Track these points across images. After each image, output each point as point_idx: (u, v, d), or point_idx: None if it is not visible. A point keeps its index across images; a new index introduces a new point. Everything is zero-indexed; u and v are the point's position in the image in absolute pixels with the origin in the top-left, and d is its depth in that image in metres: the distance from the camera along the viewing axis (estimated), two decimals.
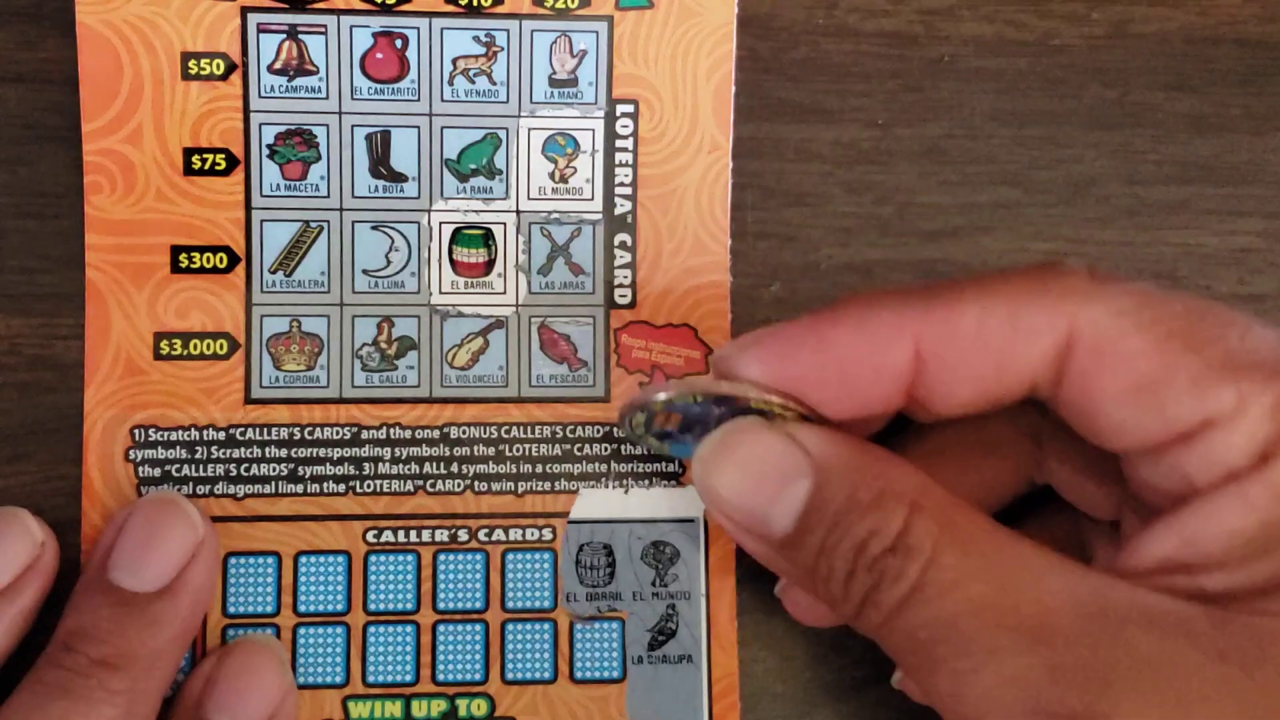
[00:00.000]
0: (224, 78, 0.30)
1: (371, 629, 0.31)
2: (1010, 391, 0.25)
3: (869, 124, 0.33)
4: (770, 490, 0.26)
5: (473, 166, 0.31)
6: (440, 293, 0.31)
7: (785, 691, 0.32)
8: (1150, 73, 0.33)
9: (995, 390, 0.25)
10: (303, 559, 0.30)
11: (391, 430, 0.31)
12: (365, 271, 0.31)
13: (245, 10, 0.30)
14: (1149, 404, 0.23)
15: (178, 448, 0.30)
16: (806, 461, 0.25)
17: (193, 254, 0.30)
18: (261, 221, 0.31)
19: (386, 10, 0.31)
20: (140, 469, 0.30)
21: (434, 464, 0.31)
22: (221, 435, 0.30)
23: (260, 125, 0.31)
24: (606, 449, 0.31)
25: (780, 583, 0.30)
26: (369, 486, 0.31)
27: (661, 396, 0.27)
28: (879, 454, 0.26)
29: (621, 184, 0.31)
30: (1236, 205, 0.33)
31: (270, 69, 0.31)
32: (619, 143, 0.31)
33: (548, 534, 0.31)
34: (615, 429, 0.31)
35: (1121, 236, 0.33)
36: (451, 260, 0.31)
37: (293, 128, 0.31)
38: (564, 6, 0.31)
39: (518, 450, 0.31)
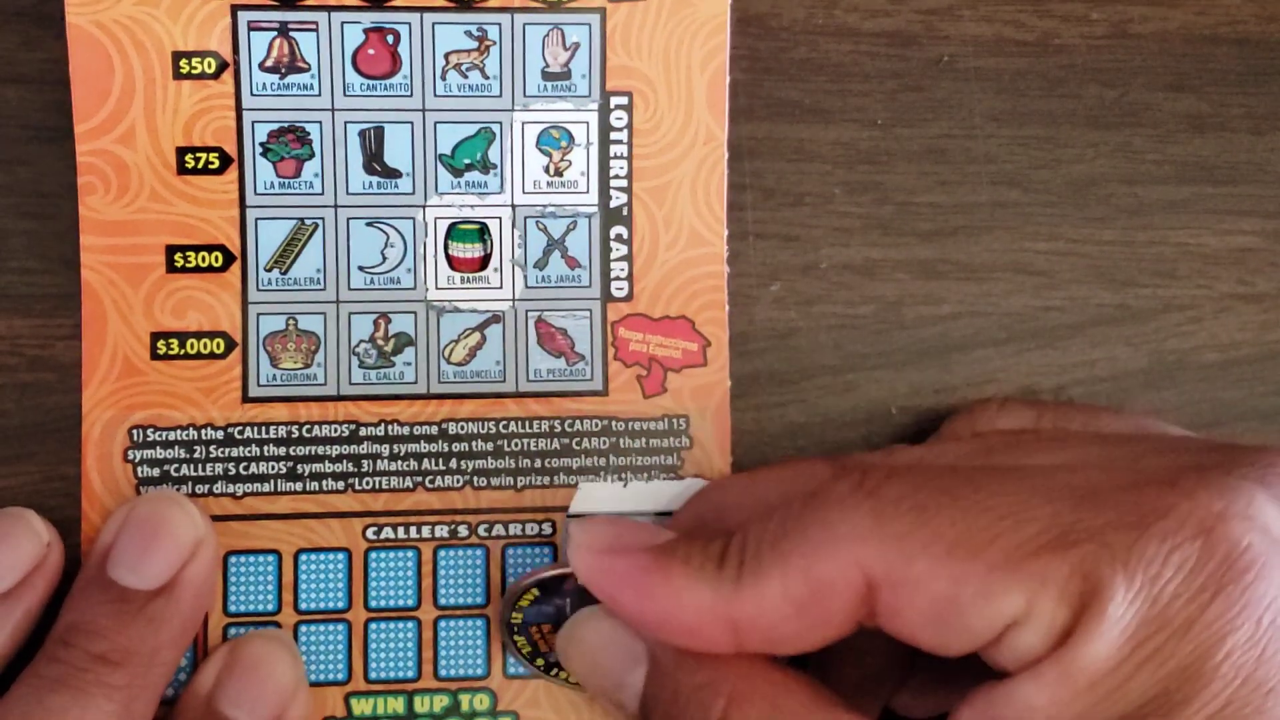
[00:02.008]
0: (215, 76, 0.30)
1: (373, 625, 0.31)
2: (836, 634, 0.26)
3: (869, 124, 0.33)
4: (613, 678, 0.27)
5: (467, 161, 0.31)
6: (436, 288, 0.31)
7: None
8: (1150, 72, 0.33)
9: (821, 636, 0.26)
10: (303, 557, 0.31)
11: (390, 427, 0.31)
12: (361, 268, 0.31)
13: (235, 8, 0.30)
14: (949, 624, 0.24)
15: (176, 447, 0.30)
16: (642, 650, 0.27)
17: (188, 253, 0.30)
18: (256, 220, 0.31)
19: (377, 6, 0.31)
20: (139, 469, 0.30)
21: (433, 460, 0.31)
22: (220, 434, 0.30)
23: (253, 123, 0.30)
24: (605, 443, 0.31)
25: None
26: (368, 483, 0.31)
27: (507, 607, 0.29)
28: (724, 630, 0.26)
29: (616, 176, 0.31)
30: (1236, 205, 0.33)
31: (262, 67, 0.30)
32: (613, 135, 0.31)
33: (547, 528, 0.31)
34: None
35: (1121, 236, 0.33)
36: (447, 255, 0.31)
37: (285, 125, 0.31)
38: None
39: (516, 445, 0.31)
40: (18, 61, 0.31)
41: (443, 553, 0.31)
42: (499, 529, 0.31)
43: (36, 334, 0.31)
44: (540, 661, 0.30)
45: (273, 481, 0.31)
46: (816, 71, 0.32)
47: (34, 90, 0.31)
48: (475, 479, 0.31)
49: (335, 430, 0.31)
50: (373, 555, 0.31)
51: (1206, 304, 0.33)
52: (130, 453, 0.30)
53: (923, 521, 0.24)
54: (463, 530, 0.31)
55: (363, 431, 0.31)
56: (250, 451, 0.31)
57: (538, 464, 0.31)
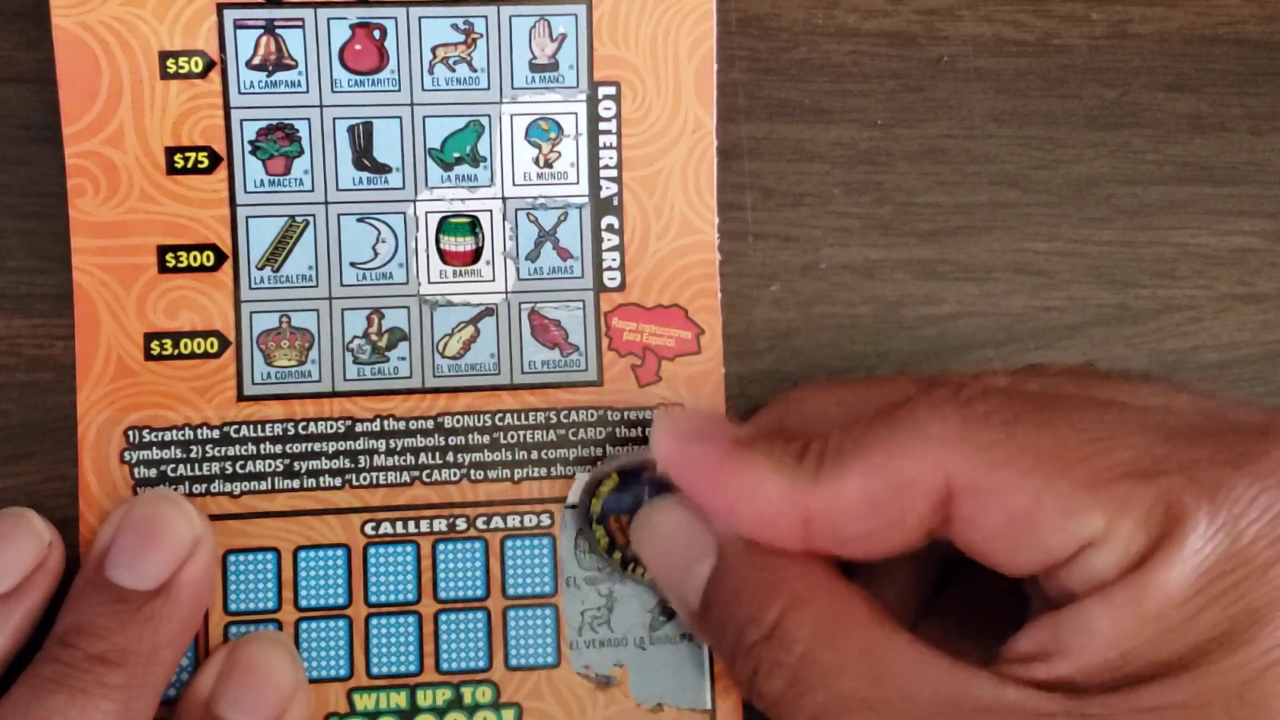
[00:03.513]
0: (203, 75, 0.30)
1: (374, 621, 0.31)
2: (905, 541, 0.26)
3: (869, 124, 0.33)
4: (681, 567, 0.28)
5: (456, 155, 0.31)
6: (429, 282, 0.31)
7: None
8: (1150, 73, 0.33)
9: (890, 542, 0.26)
10: (302, 554, 0.31)
11: (385, 422, 0.31)
12: (353, 264, 0.31)
13: (221, 7, 0.30)
14: (1025, 538, 0.24)
15: (172, 447, 0.30)
16: (712, 543, 0.27)
17: (179, 253, 0.30)
18: (247, 218, 0.31)
19: (363, 1, 0.31)
20: (136, 470, 0.30)
21: (429, 454, 0.31)
22: (215, 433, 0.30)
23: (241, 121, 0.30)
24: (601, 433, 0.31)
25: None
26: (365, 479, 0.31)
27: (584, 488, 0.30)
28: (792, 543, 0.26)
29: (606, 167, 0.31)
30: (1236, 205, 0.33)
31: (249, 65, 0.30)
32: (602, 125, 0.31)
33: (546, 519, 0.31)
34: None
35: (1121, 236, 0.33)
36: (439, 249, 0.31)
37: (274, 123, 0.31)
38: None
39: (512, 437, 0.31)
40: (16, 61, 0.31)
41: (441, 546, 0.31)
42: (497, 521, 0.31)
43: (35, 334, 0.31)
44: (617, 555, 0.30)
45: (270, 479, 0.31)
46: (816, 71, 0.32)
47: (32, 90, 0.31)
48: (472, 472, 0.31)
49: (331, 427, 0.31)
50: (372, 550, 0.31)
51: (1206, 304, 0.33)
52: (126, 454, 0.30)
53: (1013, 435, 0.24)
54: (461, 523, 0.31)
55: (359, 427, 0.31)
56: (246, 450, 0.31)
57: (534, 455, 0.31)
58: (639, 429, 0.31)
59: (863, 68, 0.32)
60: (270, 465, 0.31)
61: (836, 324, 0.32)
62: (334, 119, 0.31)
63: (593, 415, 0.31)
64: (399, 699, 0.30)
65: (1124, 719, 0.23)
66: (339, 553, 0.31)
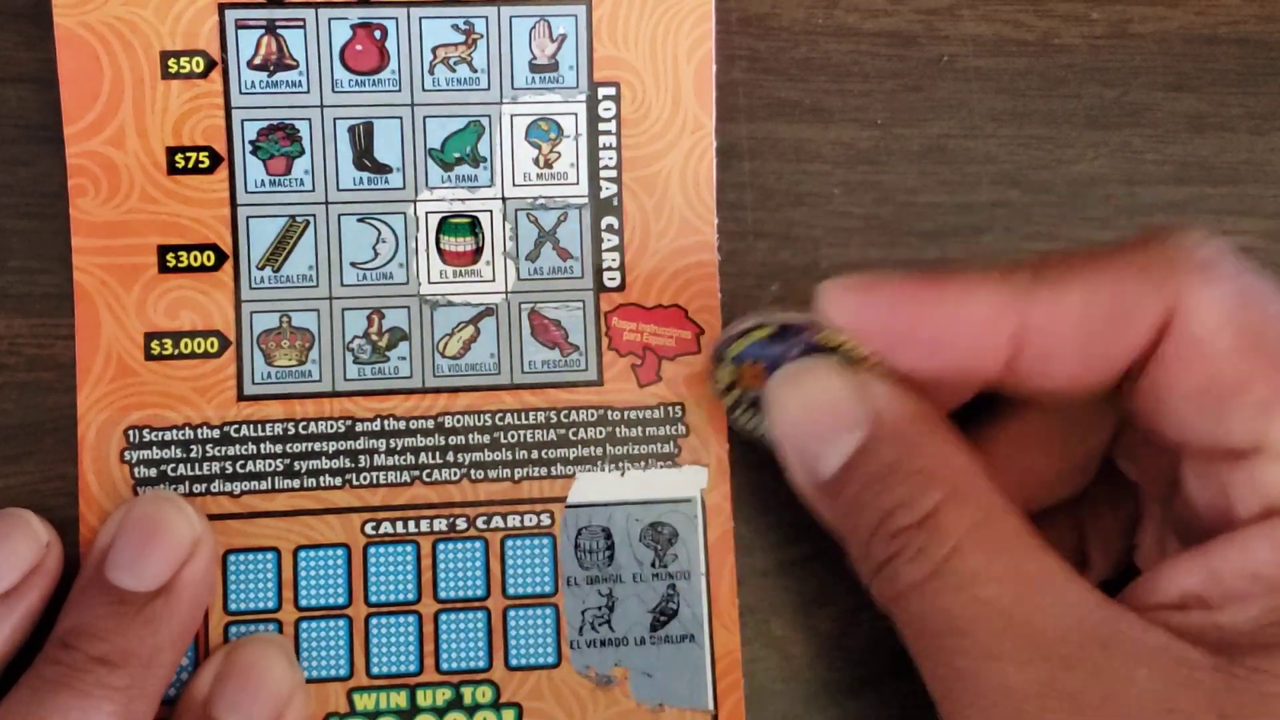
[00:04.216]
0: (204, 75, 0.30)
1: (374, 620, 0.31)
2: (1105, 375, 0.25)
3: (869, 124, 0.33)
4: (825, 430, 0.26)
5: (456, 155, 0.31)
6: (429, 282, 0.31)
7: (785, 691, 0.32)
8: (1150, 72, 0.33)
9: (1090, 374, 0.25)
10: (302, 553, 0.31)
11: (386, 422, 0.31)
12: (353, 264, 0.31)
13: (223, 7, 0.30)
14: (1212, 410, 0.23)
15: (173, 447, 0.30)
16: (866, 414, 0.26)
17: (180, 253, 0.30)
18: (248, 218, 0.31)
19: (364, 2, 0.31)
20: (136, 470, 0.30)
21: (429, 454, 0.31)
22: (216, 433, 0.30)
23: (242, 121, 0.30)
24: (601, 432, 0.31)
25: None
26: (365, 479, 0.31)
27: (734, 331, 0.28)
28: (941, 431, 0.26)
29: (606, 167, 0.31)
30: (1236, 205, 0.33)
31: (250, 65, 0.30)
32: (602, 126, 0.31)
33: (546, 519, 0.31)
34: (728, 416, 0.30)
35: (1122, 236, 0.33)
36: (439, 249, 0.31)
37: (275, 123, 0.31)
38: None
39: (512, 437, 0.31)
40: (17, 61, 0.31)
41: (442, 546, 0.31)
42: (497, 521, 0.31)
43: (35, 333, 0.31)
44: (733, 394, 0.29)
45: (270, 479, 0.31)
46: (816, 71, 0.33)
47: (33, 90, 0.31)
48: (472, 472, 0.31)
49: (331, 426, 0.31)
50: (372, 550, 0.31)
51: None
52: (126, 454, 0.30)
53: (1251, 305, 0.23)
54: (461, 523, 0.31)
55: (359, 427, 0.31)
56: (247, 450, 0.31)
57: (534, 455, 0.31)
58: (639, 428, 0.31)
59: (863, 68, 0.33)
60: (270, 465, 0.31)
61: None
62: (335, 119, 0.31)
63: (593, 415, 0.31)
64: (399, 699, 0.30)
65: (1274, 685, 0.22)
66: (339, 552, 0.31)
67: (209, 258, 0.31)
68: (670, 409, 0.31)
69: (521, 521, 0.31)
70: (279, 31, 0.30)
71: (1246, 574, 0.23)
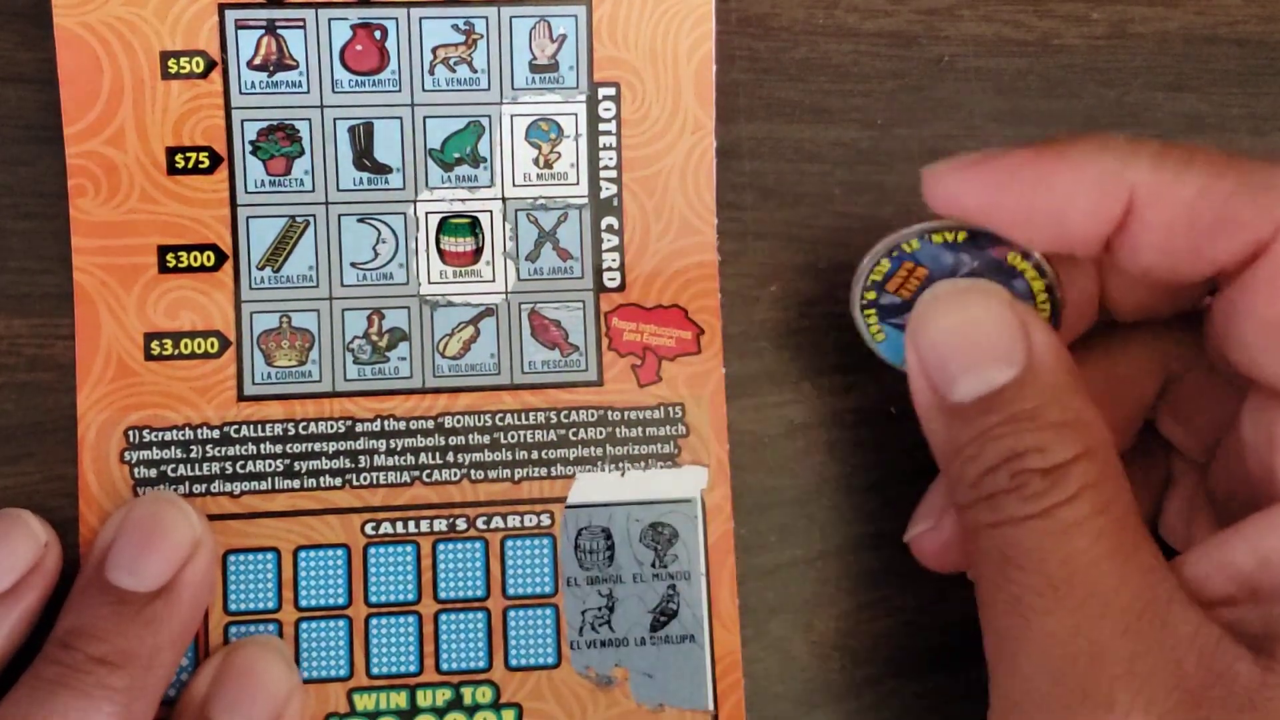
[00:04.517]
0: (204, 75, 0.30)
1: (374, 621, 0.31)
2: (1197, 274, 0.25)
3: (869, 124, 0.33)
4: (975, 356, 0.26)
5: (456, 155, 0.31)
6: (429, 283, 0.31)
7: (785, 691, 0.32)
8: (1150, 73, 0.33)
9: (1186, 267, 0.25)
10: (302, 554, 0.30)
11: (386, 422, 0.31)
12: (353, 264, 0.31)
13: (223, 7, 0.30)
14: (1203, 237, 0.24)
15: (172, 448, 0.30)
16: (1023, 353, 0.25)
17: (180, 253, 0.30)
18: (248, 218, 0.31)
19: (365, 2, 0.31)
20: (136, 470, 0.30)
21: (429, 454, 0.31)
22: (216, 433, 0.30)
23: (242, 122, 0.30)
24: (601, 433, 0.31)
25: (911, 531, 0.30)
26: (365, 479, 0.31)
27: (920, 227, 0.27)
28: (1084, 390, 0.26)
29: (606, 167, 0.31)
30: None
31: (250, 65, 0.30)
32: (602, 126, 0.31)
33: (546, 520, 0.31)
34: (852, 308, 0.29)
35: None
36: (439, 250, 0.31)
37: (275, 123, 0.31)
38: None
39: (512, 437, 0.31)
40: (16, 61, 0.31)
41: (442, 546, 0.31)
42: (497, 521, 0.31)
43: (35, 333, 0.31)
44: (870, 294, 0.28)
45: (270, 479, 0.31)
46: (816, 71, 0.33)
47: (33, 90, 0.31)
48: (472, 472, 0.31)
49: (331, 427, 0.31)
50: (372, 550, 0.31)
51: None
52: (127, 454, 0.30)
53: (1194, 158, 0.24)
54: (461, 524, 0.31)
55: (359, 427, 0.31)
56: (247, 450, 0.31)
57: (534, 455, 0.31)
58: (639, 428, 0.31)
59: (863, 68, 0.33)
60: (270, 465, 0.31)
61: (836, 324, 0.32)
62: (335, 119, 0.31)
63: (593, 415, 0.31)
64: (399, 699, 0.30)
65: None
66: (339, 553, 0.31)
67: (209, 258, 0.31)
68: (670, 409, 0.31)
69: (521, 522, 0.31)
70: (279, 32, 0.30)
71: None
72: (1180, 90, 0.33)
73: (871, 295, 0.28)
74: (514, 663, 0.31)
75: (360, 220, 0.31)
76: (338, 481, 0.31)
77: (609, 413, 0.31)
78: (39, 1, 0.30)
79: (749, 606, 0.31)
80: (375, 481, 0.31)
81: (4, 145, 0.31)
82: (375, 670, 0.30)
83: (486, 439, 0.31)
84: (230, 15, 0.30)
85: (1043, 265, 0.27)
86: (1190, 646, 0.23)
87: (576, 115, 0.31)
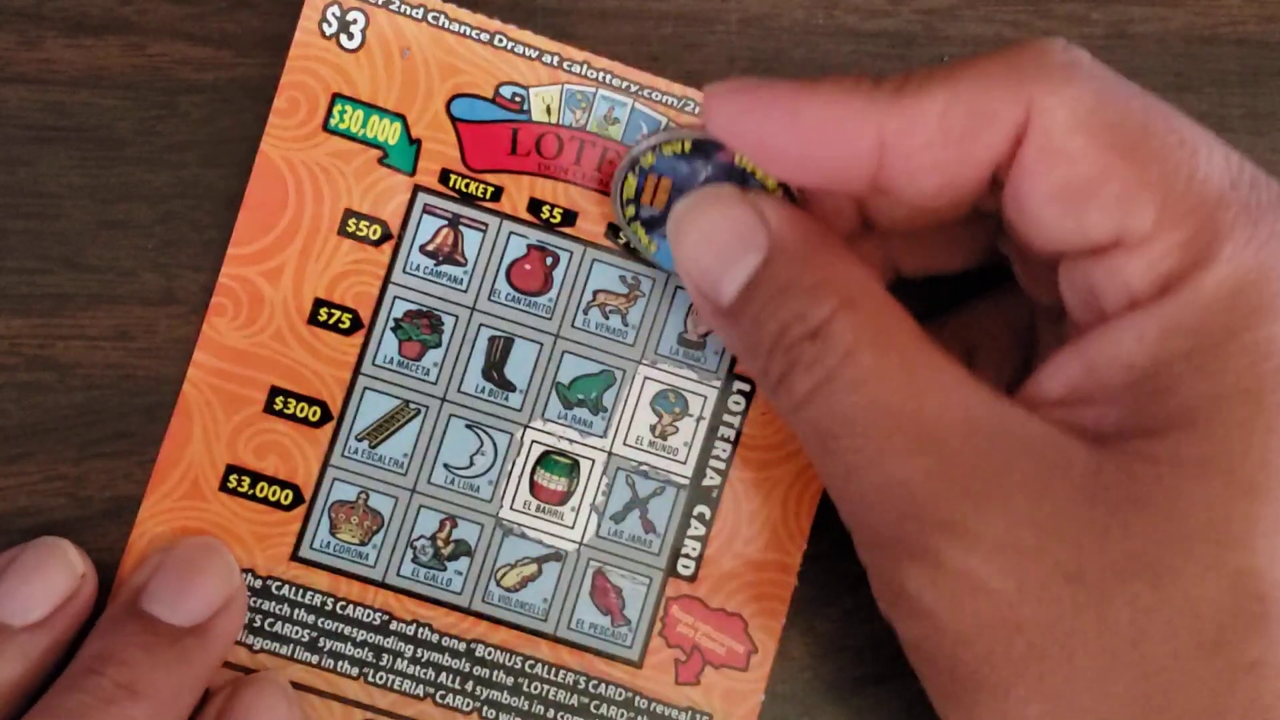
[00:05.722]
0: (377, 244, 0.31)
1: None
2: (971, 181, 0.25)
3: None
4: (725, 256, 0.27)
5: (580, 396, 0.31)
6: (510, 508, 0.31)
7: (785, 691, 0.31)
8: (1150, 73, 0.33)
9: (957, 179, 0.25)
10: None
11: (421, 630, 0.30)
12: (446, 465, 0.31)
13: (418, 189, 0.31)
14: (1072, 208, 0.24)
15: None
16: (764, 235, 0.26)
17: (290, 399, 0.31)
18: (365, 388, 0.31)
19: (549, 227, 0.31)
20: None
21: (450, 676, 0.30)
22: (258, 584, 0.30)
23: (394, 298, 0.31)
24: (624, 715, 0.30)
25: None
26: (381, 679, 0.30)
27: (650, 141, 0.28)
28: (834, 246, 0.26)
29: (717, 458, 0.31)
30: None
31: (422, 248, 0.31)
32: (726, 417, 0.31)
33: None
34: (618, 237, 0.31)
35: None
36: (531, 480, 0.31)
37: (424, 309, 0.31)
38: None
39: (536, 688, 0.30)
40: (17, 61, 0.31)
41: None
42: None
43: (36, 334, 0.30)
44: (629, 210, 0.29)
45: (291, 646, 0.30)
46: (817, 71, 0.32)
47: (34, 90, 0.31)
48: (485, 709, 0.30)
49: (368, 615, 0.30)
50: None
51: None
52: None
53: (1108, 105, 0.24)
54: None
55: (393, 625, 0.30)
56: (281, 610, 0.30)
57: (552, 714, 0.30)
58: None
59: (863, 68, 0.33)
60: (297, 633, 0.30)
61: None
62: (480, 324, 0.31)
63: (620, 694, 0.31)
64: None
65: (1139, 465, 0.23)
66: None
67: (315, 413, 0.31)
68: (698, 717, 0.31)
69: None
70: (460, 227, 0.31)
71: (1119, 364, 0.24)
72: (1180, 90, 0.33)
73: (631, 211, 0.29)
74: None
75: (468, 426, 0.31)
76: (354, 671, 0.30)
77: (637, 698, 0.31)
78: (40, 2, 0.31)
79: None
80: (390, 685, 0.30)
81: (4, 145, 0.31)
82: None
83: (511, 680, 0.30)
84: (421, 198, 0.31)
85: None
86: (1022, 448, 0.24)
87: (706, 399, 0.31)
